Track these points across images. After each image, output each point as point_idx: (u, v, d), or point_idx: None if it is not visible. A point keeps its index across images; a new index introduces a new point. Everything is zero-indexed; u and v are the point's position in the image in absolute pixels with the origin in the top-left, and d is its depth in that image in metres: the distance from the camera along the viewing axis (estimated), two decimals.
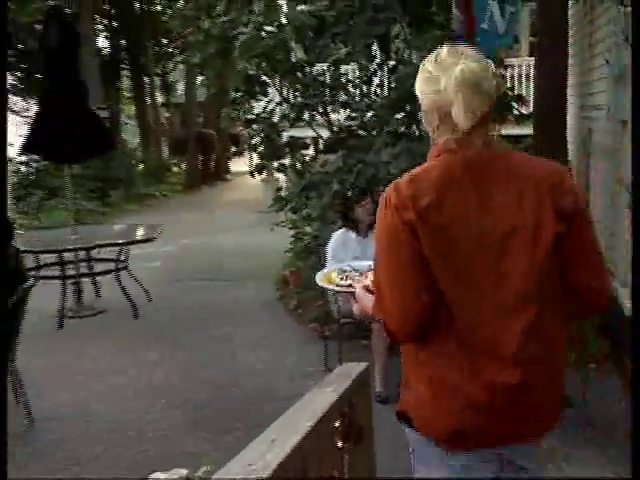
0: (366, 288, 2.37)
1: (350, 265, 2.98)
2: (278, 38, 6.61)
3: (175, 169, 26.05)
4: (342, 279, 2.83)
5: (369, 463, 2.64)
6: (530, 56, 12.73)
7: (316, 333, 6.79)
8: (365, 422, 2.63)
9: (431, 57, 2.11)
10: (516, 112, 7.60)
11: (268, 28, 6.64)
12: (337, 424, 2.23)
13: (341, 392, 2.38)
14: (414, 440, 2.16)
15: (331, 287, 2.88)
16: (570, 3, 7.46)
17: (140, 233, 9.22)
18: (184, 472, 2.90)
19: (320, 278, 2.99)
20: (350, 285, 2.67)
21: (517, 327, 2.01)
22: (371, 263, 2.37)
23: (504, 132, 7.32)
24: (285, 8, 7.18)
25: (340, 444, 2.17)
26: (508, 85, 8.84)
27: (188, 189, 22.77)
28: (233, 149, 27.86)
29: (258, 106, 8.16)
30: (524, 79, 13.45)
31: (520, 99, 7.76)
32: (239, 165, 27.59)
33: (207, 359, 6.43)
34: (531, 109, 7.54)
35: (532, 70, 12.62)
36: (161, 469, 2.80)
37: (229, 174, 27.05)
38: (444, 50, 2.09)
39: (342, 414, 2.30)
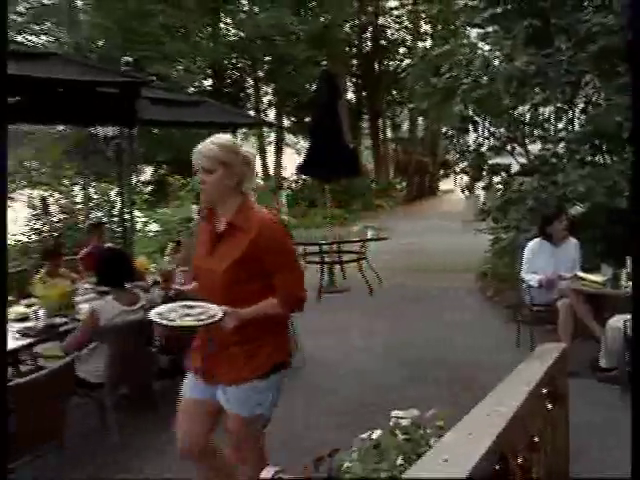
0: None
1: (184, 305, 2.43)
2: (491, 88, 6.38)
3: (398, 186, 26.19)
4: (194, 315, 2.33)
5: (566, 424, 2.46)
6: None
7: (510, 317, 6.48)
8: (564, 391, 2.46)
9: (232, 143, 2.43)
10: None
11: (482, 81, 6.44)
12: (544, 391, 2.11)
13: (547, 365, 2.24)
14: (276, 378, 2.48)
15: (196, 323, 2.31)
16: None
17: (371, 233, 9.36)
18: (416, 412, 2.89)
19: (176, 321, 2.33)
20: (213, 316, 2.31)
21: None
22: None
23: None
24: (496, 63, 6.91)
25: (549, 407, 2.04)
26: None
27: (408, 202, 22.82)
28: (442, 172, 27.51)
29: (469, 139, 7.95)
30: None
31: None
32: (446, 184, 27.28)
33: (423, 331, 6.38)
34: None
35: None
36: (389, 410, 2.79)
37: (438, 191, 26.75)
38: (237, 140, 2.53)
39: (548, 383, 2.16)
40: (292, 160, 22.09)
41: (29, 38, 16.32)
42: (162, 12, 16.11)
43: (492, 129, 7.39)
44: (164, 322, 2.31)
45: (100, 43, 16.41)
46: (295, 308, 2.49)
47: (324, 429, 3.95)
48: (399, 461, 2.34)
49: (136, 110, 4.77)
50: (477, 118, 7.34)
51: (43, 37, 16.92)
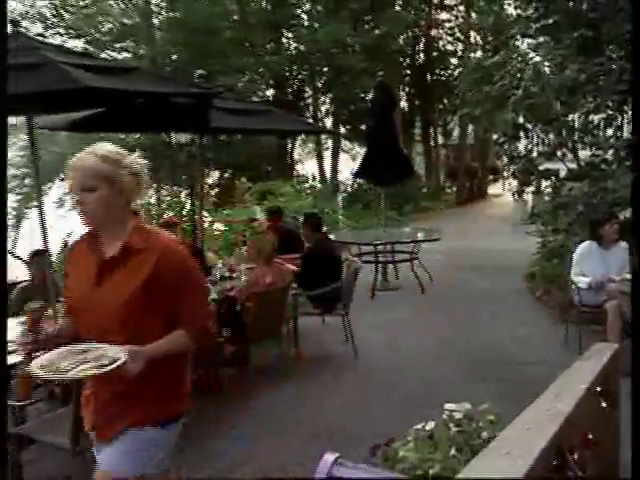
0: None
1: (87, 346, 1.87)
2: (542, 97, 6.20)
3: (448, 190, 25.84)
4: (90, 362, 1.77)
5: (617, 424, 2.36)
6: None
7: (558, 317, 6.28)
8: (616, 390, 2.36)
9: (115, 153, 1.92)
10: None
11: (533, 89, 6.25)
12: (599, 389, 2.03)
13: (601, 364, 2.16)
14: (171, 431, 2.00)
15: (101, 371, 1.74)
16: None
17: (421, 235, 9.25)
18: (469, 406, 2.83)
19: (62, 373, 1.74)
20: (116, 359, 1.76)
21: None
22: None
23: None
24: (547, 72, 6.70)
25: (604, 405, 1.97)
26: None
27: (458, 205, 22.45)
28: (490, 177, 26.95)
29: (520, 145, 7.75)
30: None
31: None
32: (494, 189, 26.72)
33: (473, 329, 6.26)
34: None
35: None
36: (440, 403, 2.73)
37: (487, 195, 26.22)
38: (121, 150, 1.96)
39: (602, 382, 2.08)
40: (347, 165, 22.12)
41: (111, 54, 16.97)
42: (229, 28, 16.48)
43: (542, 135, 7.18)
44: (57, 377, 1.74)
45: (173, 57, 16.89)
46: (201, 338, 2.02)
47: (379, 419, 3.94)
48: (452, 452, 2.31)
49: (208, 119, 4.87)
50: (528, 125, 7.15)
51: (124, 53, 17.56)
